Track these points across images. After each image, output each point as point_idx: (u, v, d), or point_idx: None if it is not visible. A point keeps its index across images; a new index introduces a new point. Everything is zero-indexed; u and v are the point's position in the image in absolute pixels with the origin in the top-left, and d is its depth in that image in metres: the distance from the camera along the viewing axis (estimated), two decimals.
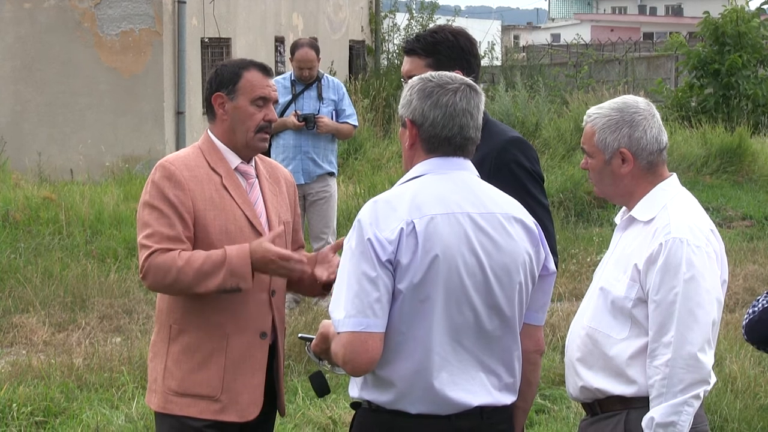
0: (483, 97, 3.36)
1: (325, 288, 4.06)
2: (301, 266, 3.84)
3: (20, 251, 10.18)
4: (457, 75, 3.37)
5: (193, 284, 3.77)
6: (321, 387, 3.61)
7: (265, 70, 4.03)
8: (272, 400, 4.07)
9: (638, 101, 3.63)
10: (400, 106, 3.36)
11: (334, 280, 3.87)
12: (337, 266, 3.87)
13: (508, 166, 4.06)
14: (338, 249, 4.01)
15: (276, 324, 4.01)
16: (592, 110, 3.64)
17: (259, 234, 3.93)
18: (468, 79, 3.35)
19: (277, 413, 4.17)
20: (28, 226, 11.00)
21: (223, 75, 3.98)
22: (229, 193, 3.94)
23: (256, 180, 4.06)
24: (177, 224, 3.82)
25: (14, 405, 6.51)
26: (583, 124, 3.66)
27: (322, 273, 3.97)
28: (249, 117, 3.96)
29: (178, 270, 3.75)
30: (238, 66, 4.01)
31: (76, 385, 7.00)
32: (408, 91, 3.34)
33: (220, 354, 3.90)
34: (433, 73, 3.36)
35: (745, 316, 3.67)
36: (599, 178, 3.66)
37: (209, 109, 4.03)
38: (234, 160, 4.01)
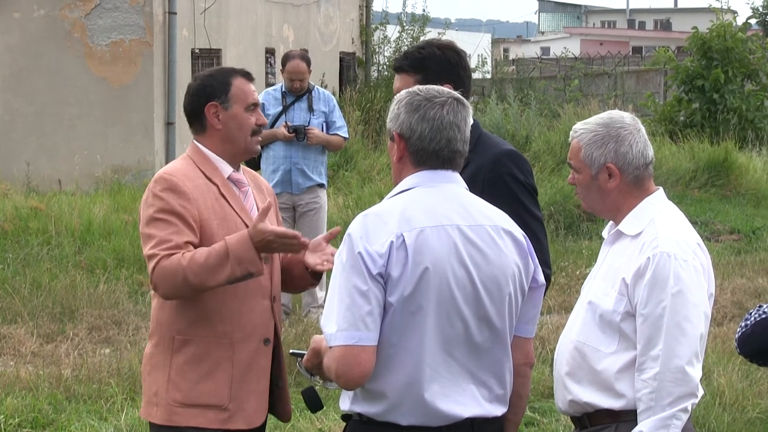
0: (470, 110, 3.39)
1: (315, 277, 4.09)
2: (298, 241, 3.84)
3: (8, 261, 10.16)
4: (444, 88, 3.39)
5: (203, 280, 3.74)
6: (313, 402, 3.61)
7: (248, 76, 4.09)
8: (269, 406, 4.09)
9: (624, 116, 3.66)
10: (388, 120, 3.39)
11: (325, 268, 3.95)
12: (330, 254, 3.92)
13: (502, 178, 4.08)
14: (331, 239, 4.04)
15: (277, 330, 4.03)
16: (578, 126, 3.67)
17: None
18: (455, 93, 3.38)
19: (272, 419, 4.17)
20: (17, 236, 10.98)
21: (213, 85, 4.00)
22: (228, 202, 3.96)
23: (249, 188, 4.09)
24: (183, 231, 3.81)
25: (2, 417, 6.50)
26: (570, 139, 3.68)
27: (314, 260, 3.98)
28: (245, 123, 4.01)
29: (185, 270, 3.73)
30: (226, 75, 4.04)
31: (64, 397, 6.98)
32: (396, 104, 3.36)
33: (227, 363, 3.90)
34: (421, 87, 3.39)
35: (738, 330, 3.69)
36: (586, 193, 3.68)
37: (197, 120, 4.03)
38: (226, 169, 4.03)
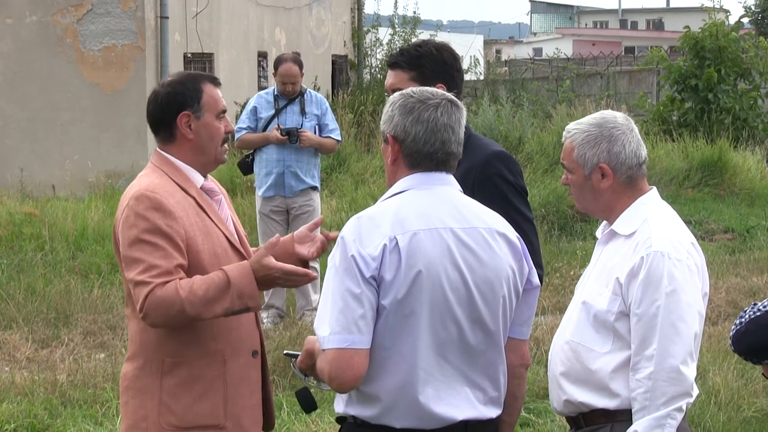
0: (464, 112, 3.38)
1: (305, 266, 3.99)
2: (308, 278, 3.75)
3: (3, 267, 10.15)
4: (438, 90, 3.39)
5: (200, 313, 3.61)
6: (307, 403, 3.60)
7: (216, 81, 3.94)
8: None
9: (616, 116, 3.66)
10: (381, 122, 3.38)
11: (318, 254, 3.92)
12: (320, 242, 3.91)
13: (492, 179, 4.08)
14: (315, 228, 4.02)
15: (262, 340, 3.96)
16: (571, 126, 3.67)
17: (239, 253, 3.85)
18: (449, 94, 3.38)
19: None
20: (11, 242, 10.97)
21: (185, 93, 3.81)
22: (208, 215, 3.83)
23: (221, 197, 3.97)
24: (173, 255, 3.65)
25: None
26: (563, 140, 3.68)
27: (304, 251, 3.94)
28: (216, 132, 3.86)
29: (183, 301, 3.57)
30: (196, 81, 3.87)
31: (59, 402, 6.98)
32: (389, 107, 3.35)
33: (219, 380, 3.79)
34: (414, 89, 3.38)
35: (733, 327, 3.69)
36: (580, 193, 3.68)
37: (165, 129, 3.85)
38: (198, 179, 3.88)
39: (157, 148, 3.90)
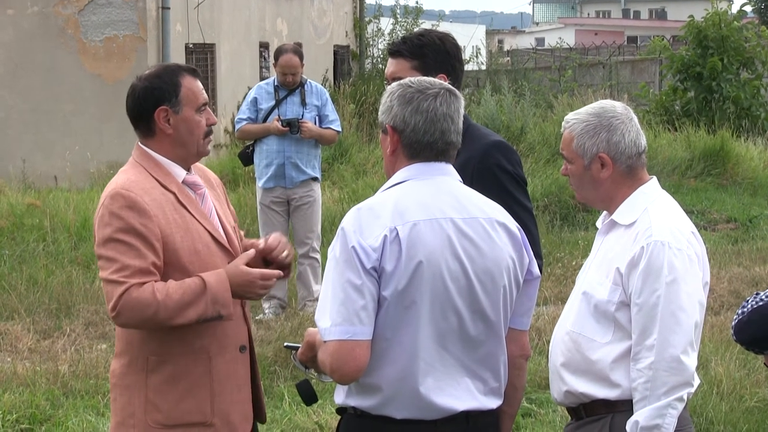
0: (462, 101, 3.37)
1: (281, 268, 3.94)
2: (281, 278, 3.82)
3: (5, 258, 10.16)
4: (435, 80, 3.38)
5: (172, 317, 3.59)
6: (308, 395, 3.59)
7: (195, 73, 3.87)
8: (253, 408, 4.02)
9: (615, 105, 3.65)
10: (380, 113, 3.36)
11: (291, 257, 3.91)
12: (285, 247, 3.85)
13: (491, 170, 4.07)
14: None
15: (250, 334, 3.93)
16: (570, 116, 3.66)
17: (224, 248, 3.81)
18: (447, 84, 3.37)
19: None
20: (13, 232, 10.97)
21: (162, 87, 3.75)
22: (188, 211, 3.77)
23: (205, 190, 3.90)
24: (147, 255, 3.59)
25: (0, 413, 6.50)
26: (562, 130, 3.67)
27: (281, 256, 3.89)
28: (196, 126, 3.80)
29: (158, 304, 3.55)
30: (173, 74, 3.80)
31: (61, 392, 6.98)
32: (388, 97, 3.34)
33: (205, 377, 3.76)
34: (412, 79, 3.37)
35: (735, 317, 3.69)
36: (579, 183, 3.67)
37: (144, 124, 3.80)
38: (180, 173, 3.82)
39: (138, 143, 3.86)
